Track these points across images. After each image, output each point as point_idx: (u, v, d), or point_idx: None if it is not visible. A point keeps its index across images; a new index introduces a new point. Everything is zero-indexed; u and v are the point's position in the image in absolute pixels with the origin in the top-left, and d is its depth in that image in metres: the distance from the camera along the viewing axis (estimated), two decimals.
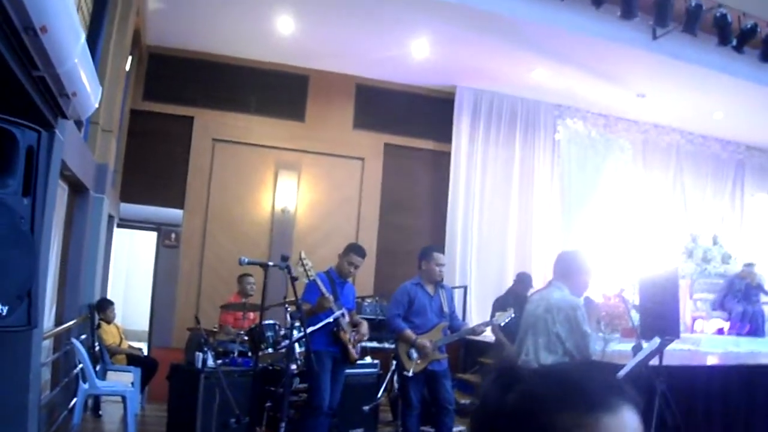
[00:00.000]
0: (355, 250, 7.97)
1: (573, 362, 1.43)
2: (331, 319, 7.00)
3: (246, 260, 6.16)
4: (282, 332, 8.20)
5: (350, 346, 7.64)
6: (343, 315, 7.49)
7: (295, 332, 6.50)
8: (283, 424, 5.83)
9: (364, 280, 13.54)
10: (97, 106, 5.42)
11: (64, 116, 4.90)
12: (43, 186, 3.67)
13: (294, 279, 6.21)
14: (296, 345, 7.32)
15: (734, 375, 10.41)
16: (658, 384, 8.53)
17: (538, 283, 10.19)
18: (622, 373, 6.37)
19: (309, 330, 6.43)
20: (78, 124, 7.73)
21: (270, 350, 7.94)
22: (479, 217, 14.44)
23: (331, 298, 7.26)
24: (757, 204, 17.11)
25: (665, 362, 8.78)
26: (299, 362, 7.93)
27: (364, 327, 7.96)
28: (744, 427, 10.10)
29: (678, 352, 11.45)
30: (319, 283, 7.27)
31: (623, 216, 15.35)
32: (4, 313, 3.23)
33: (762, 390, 10.29)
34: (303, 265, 6.86)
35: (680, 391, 9.32)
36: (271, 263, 6.23)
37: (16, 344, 4.71)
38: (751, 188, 17.42)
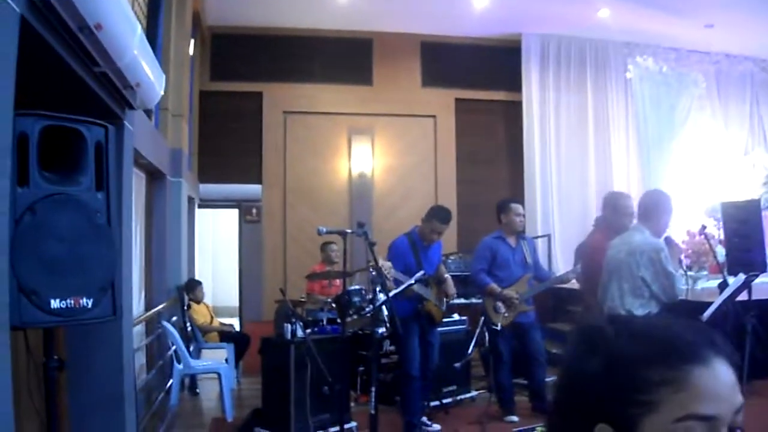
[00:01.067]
0: (438, 215, 7.61)
1: (660, 317, 1.35)
2: (412, 281, 6.93)
3: (324, 230, 6.20)
4: (369, 297, 8.24)
5: (435, 310, 7.65)
6: (425, 283, 7.46)
7: (380, 296, 6.51)
8: (374, 388, 5.87)
9: (446, 236, 13.33)
10: (162, 93, 5.49)
11: (132, 107, 4.98)
12: (115, 178, 3.75)
13: (372, 244, 6.21)
14: (383, 308, 7.35)
15: None
16: (748, 320, 8.42)
17: None
18: (708, 312, 6.28)
19: (391, 293, 6.43)
20: (148, 112, 7.85)
21: (356, 316, 8.01)
22: (557, 164, 14.30)
23: (399, 279, 7.11)
24: None
25: (755, 297, 8.67)
26: (387, 325, 7.97)
27: (450, 286, 7.86)
28: None
29: (766, 286, 11.25)
30: (399, 276, 7.14)
31: (701, 152, 15.04)
32: (89, 306, 3.32)
33: None
34: (365, 237, 6.62)
35: None
36: (348, 231, 6.26)
37: (106, 333, 4.83)
38: None
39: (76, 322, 3.35)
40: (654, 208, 6.21)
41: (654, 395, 1.18)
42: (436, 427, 7.74)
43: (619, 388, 1.20)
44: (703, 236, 8.44)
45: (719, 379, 1.20)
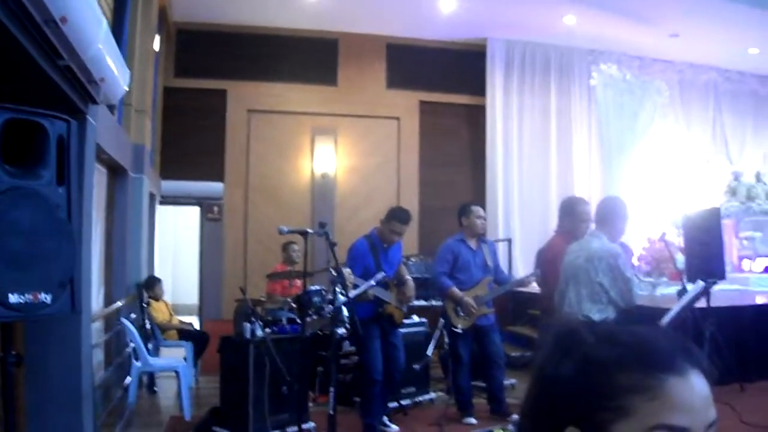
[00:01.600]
0: (397, 216, 7.60)
1: (637, 326, 1.32)
2: (373, 282, 6.96)
3: (286, 229, 6.19)
4: (329, 297, 8.24)
5: (395, 312, 7.65)
6: (384, 286, 7.45)
7: (341, 296, 6.51)
8: (332, 389, 5.86)
9: (407, 238, 13.37)
10: (126, 88, 5.48)
11: (95, 102, 4.96)
12: (77, 173, 3.72)
13: (333, 245, 6.21)
14: (343, 309, 7.35)
15: None
16: (707, 326, 8.51)
17: None
18: (667, 318, 6.33)
19: (351, 294, 6.43)
20: (111, 107, 7.80)
21: (316, 316, 8.00)
22: (519, 169, 14.40)
23: (359, 286, 7.05)
24: None
25: (713, 304, 8.76)
26: (347, 326, 7.96)
27: (410, 288, 7.85)
28: None
29: (726, 293, 11.36)
30: (359, 282, 7.09)
31: (663, 159, 15.19)
32: (48, 302, 3.30)
33: None
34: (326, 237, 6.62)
35: (730, 331, 9.31)
36: (309, 231, 6.26)
37: (64, 329, 4.82)
38: None
39: (35, 317, 3.34)
40: (609, 214, 6.25)
41: (627, 401, 1.17)
42: (395, 428, 7.73)
43: (591, 392, 1.19)
44: (663, 243, 8.52)
45: (694, 391, 1.20)
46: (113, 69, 4.72)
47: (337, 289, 6.37)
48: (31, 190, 3.26)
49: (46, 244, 3.29)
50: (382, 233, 7.70)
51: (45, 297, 3.28)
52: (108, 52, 4.48)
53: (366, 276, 7.16)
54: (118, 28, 8.37)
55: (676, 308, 6.38)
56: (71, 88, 4.38)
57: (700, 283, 7.29)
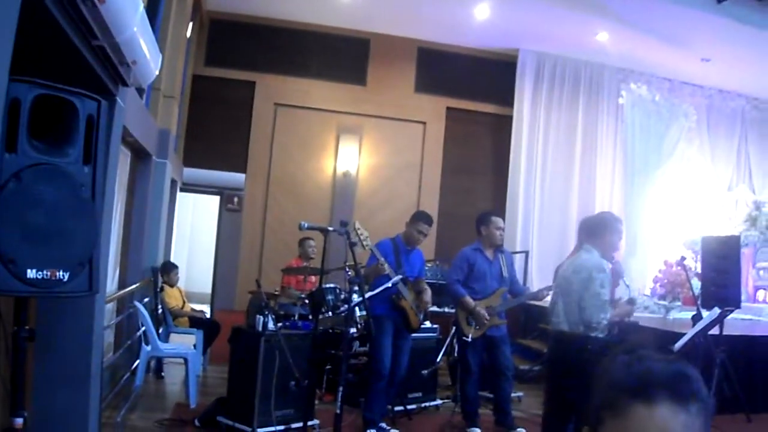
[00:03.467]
0: (423, 218, 7.89)
1: (651, 350, 1.36)
2: (389, 285, 7.00)
3: (306, 225, 6.19)
4: (342, 296, 8.23)
5: (411, 313, 7.63)
6: (403, 282, 7.49)
7: (354, 296, 6.52)
8: (341, 388, 5.86)
9: (425, 244, 13.37)
10: (157, 73, 5.47)
11: (125, 84, 4.96)
12: (103, 154, 3.72)
13: (352, 245, 6.23)
14: (356, 309, 7.34)
15: None
16: (718, 354, 8.46)
17: None
18: (680, 342, 6.30)
19: (367, 295, 6.45)
20: (140, 90, 7.82)
21: (329, 314, 8.00)
22: (541, 182, 14.36)
23: (385, 265, 7.25)
24: None
25: (726, 332, 8.72)
26: (359, 326, 7.96)
27: (427, 294, 7.87)
28: None
29: (739, 322, 11.32)
30: (376, 252, 7.27)
31: (686, 183, 15.11)
32: (66, 279, 3.29)
33: None
34: (358, 235, 6.81)
35: (740, 361, 9.25)
36: (330, 228, 6.26)
37: (78, 308, 4.80)
38: None
39: (51, 294, 3.32)
40: (599, 228, 6.22)
41: (602, 413, 1.33)
42: None
43: (593, 397, 1.37)
44: (680, 267, 8.47)
45: (653, 421, 1.28)
46: (146, 53, 4.72)
47: (354, 289, 6.38)
48: (57, 167, 3.26)
49: (67, 222, 3.29)
50: (408, 235, 7.88)
51: (62, 275, 3.27)
52: (142, 36, 4.47)
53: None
54: (152, 13, 8.38)
55: (689, 334, 6.35)
56: (103, 68, 4.38)
57: (716, 311, 7.25)
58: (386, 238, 7.94)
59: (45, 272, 3.18)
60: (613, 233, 6.17)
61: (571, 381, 5.67)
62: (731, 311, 8.12)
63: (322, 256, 6.50)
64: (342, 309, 6.63)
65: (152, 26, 7.85)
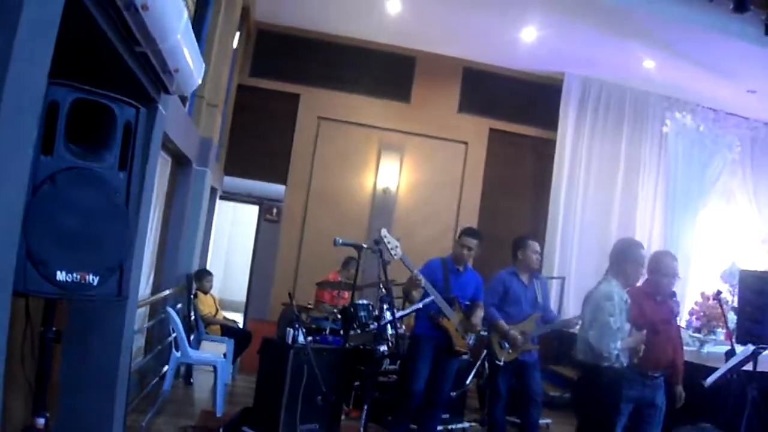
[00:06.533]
0: (467, 232, 7.82)
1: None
2: (419, 306, 6.91)
3: (340, 241, 6.19)
4: (375, 313, 8.20)
5: (456, 335, 7.46)
6: (449, 302, 7.38)
7: (387, 314, 6.49)
8: (366, 406, 5.84)
9: None
10: (200, 82, 5.49)
11: (167, 92, 4.99)
12: (140, 160, 3.74)
13: (386, 262, 6.22)
14: (388, 327, 7.30)
15: None
16: (750, 390, 8.33)
17: None
18: (712, 378, 6.20)
19: (399, 314, 6.42)
20: (183, 98, 7.87)
21: (360, 331, 7.98)
22: (581, 208, 14.25)
23: (420, 277, 7.09)
24: None
25: (760, 368, 8.59)
26: (390, 344, 7.91)
27: (477, 317, 7.72)
28: None
29: None
30: (407, 261, 7.13)
31: (728, 215, 14.95)
32: (95, 283, 3.31)
33: None
34: (385, 244, 6.67)
35: None
36: (364, 246, 6.25)
37: (109, 311, 4.83)
38: None
39: (79, 297, 3.35)
40: (618, 257, 6.16)
41: None
42: None
43: None
44: (716, 301, 8.36)
45: None
46: (189, 61, 4.73)
47: (385, 307, 6.35)
48: (92, 171, 3.28)
49: (100, 227, 3.31)
50: (456, 253, 7.77)
51: (92, 279, 3.29)
52: (186, 44, 4.49)
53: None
54: (199, 22, 8.46)
55: (722, 369, 6.24)
56: (145, 75, 4.40)
57: (750, 347, 7.14)
58: (436, 257, 7.88)
59: (75, 275, 3.20)
60: (633, 264, 6.09)
61: (590, 411, 5.64)
62: (766, 348, 7.99)
63: (355, 271, 6.49)
64: (372, 327, 6.58)
65: (198, 35, 7.95)
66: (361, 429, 5.86)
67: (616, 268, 6.11)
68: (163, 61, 4.35)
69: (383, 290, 6.46)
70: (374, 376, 6.24)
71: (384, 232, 6.84)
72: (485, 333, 8.12)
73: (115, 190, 3.41)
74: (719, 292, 8.26)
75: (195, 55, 4.93)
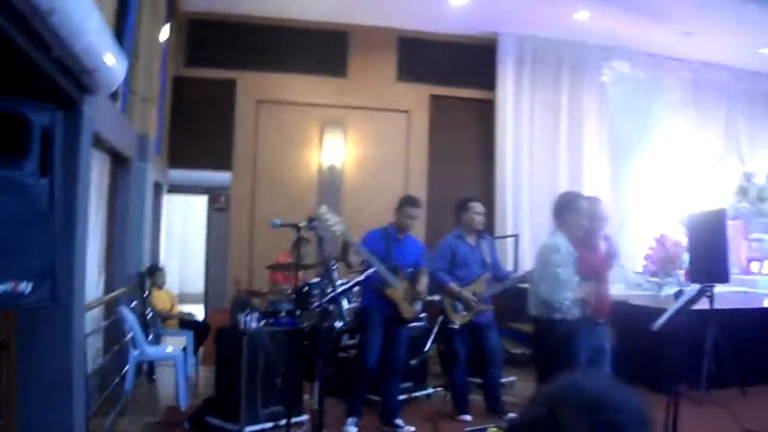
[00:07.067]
0: (408, 202, 7.82)
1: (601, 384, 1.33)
2: (361, 278, 6.94)
3: (279, 222, 6.24)
4: (330, 290, 8.23)
5: (403, 304, 7.54)
6: (394, 271, 7.44)
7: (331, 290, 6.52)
8: (318, 383, 5.88)
9: (415, 233, 13.57)
10: (122, 78, 5.47)
11: (89, 92, 4.98)
12: (65, 164, 3.75)
13: (321, 239, 6.26)
14: (344, 302, 7.34)
15: None
16: (709, 329, 8.48)
17: None
18: (660, 321, 6.25)
19: (341, 288, 6.46)
20: (114, 95, 7.83)
21: (314, 309, 8.00)
22: (528, 165, 14.34)
23: (360, 250, 7.20)
24: None
25: (718, 306, 8.74)
26: (346, 319, 7.94)
27: (422, 284, 7.75)
28: None
29: (733, 296, 11.34)
30: (348, 236, 7.17)
31: (674, 157, 15.08)
32: (28, 291, 3.32)
33: None
34: (324, 221, 6.65)
35: (734, 335, 9.27)
36: (302, 224, 6.27)
37: (56, 318, 4.85)
38: None
39: (14, 306, 3.36)
40: (559, 210, 6.25)
41: None
42: (409, 428, 7.62)
43: None
44: (662, 245, 8.47)
45: None
46: (107, 60, 4.73)
47: (333, 283, 6.39)
48: (12, 180, 3.29)
49: (26, 235, 3.32)
50: (398, 222, 7.81)
51: (25, 286, 3.31)
52: (101, 43, 4.49)
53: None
54: (122, 17, 8.38)
55: (669, 312, 6.30)
56: (63, 78, 4.40)
57: (695, 288, 7.22)
58: (377, 228, 7.93)
59: (6, 284, 3.21)
60: (575, 215, 6.15)
61: (549, 365, 5.71)
62: (712, 287, 8.12)
63: (296, 252, 6.51)
64: (316, 304, 6.61)
65: (123, 31, 7.88)
66: (316, 406, 5.90)
67: (560, 221, 6.20)
68: (79, 63, 4.36)
69: (322, 267, 6.50)
70: (324, 353, 6.25)
71: (324, 209, 6.86)
72: (438, 298, 8.19)
73: (38, 196, 3.41)
74: (663, 236, 8.33)
75: (114, 52, 4.92)
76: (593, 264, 6.39)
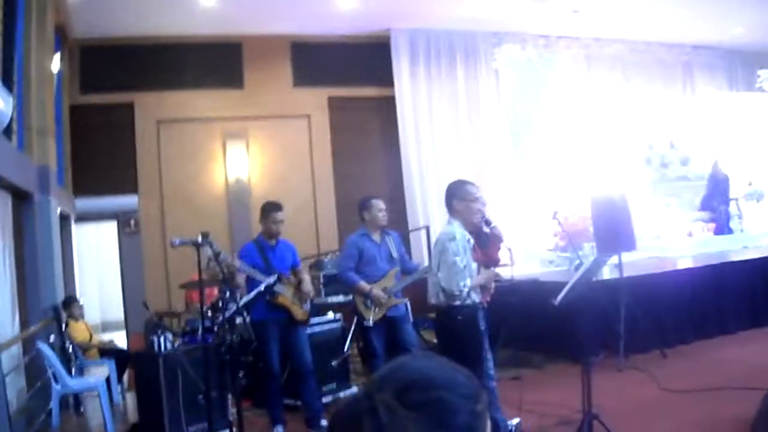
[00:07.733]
0: (272, 207, 8.05)
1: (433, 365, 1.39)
2: (261, 288, 7.03)
3: (177, 241, 6.28)
4: (242, 303, 8.29)
5: (294, 308, 7.75)
6: (279, 279, 7.49)
7: (232, 305, 6.60)
8: (230, 396, 5.96)
9: (327, 234, 13.82)
10: (8, 117, 5.48)
11: None
12: None
13: (217, 254, 6.34)
14: (238, 317, 7.42)
15: (702, 275, 10.59)
16: (622, 298, 8.70)
17: None
18: (560, 295, 6.36)
19: (242, 301, 6.58)
20: (8, 133, 7.79)
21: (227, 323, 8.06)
22: (433, 156, 14.57)
23: (242, 267, 7.44)
24: (709, 101, 17.08)
25: (629, 273, 8.97)
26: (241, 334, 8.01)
27: (306, 284, 7.96)
28: (717, 323, 10.30)
29: (645, 262, 11.62)
30: (239, 263, 7.45)
31: (576, 134, 15.42)
32: None
33: (731, 286, 10.48)
34: (213, 250, 6.73)
35: (648, 300, 9.54)
36: (199, 241, 6.32)
37: None
38: (702, 87, 17.53)
39: None
40: (449, 198, 6.37)
41: None
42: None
43: None
44: (557, 221, 8.64)
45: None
46: None
47: (236, 298, 6.48)
48: None
49: None
50: (265, 230, 7.99)
51: None
52: None
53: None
54: (9, 52, 8.33)
55: (568, 285, 6.43)
56: None
57: (590, 259, 7.41)
58: (248, 242, 8.14)
59: None
60: (461, 199, 6.26)
61: (454, 352, 5.82)
62: (609, 257, 8.32)
63: (198, 268, 6.55)
64: (220, 319, 6.67)
65: (11, 64, 7.83)
66: (230, 418, 5.98)
67: (451, 209, 6.31)
68: None
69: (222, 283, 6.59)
70: (238, 365, 6.34)
71: (210, 238, 6.88)
72: (351, 298, 8.30)
73: None
74: (555, 212, 8.44)
75: None
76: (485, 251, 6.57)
